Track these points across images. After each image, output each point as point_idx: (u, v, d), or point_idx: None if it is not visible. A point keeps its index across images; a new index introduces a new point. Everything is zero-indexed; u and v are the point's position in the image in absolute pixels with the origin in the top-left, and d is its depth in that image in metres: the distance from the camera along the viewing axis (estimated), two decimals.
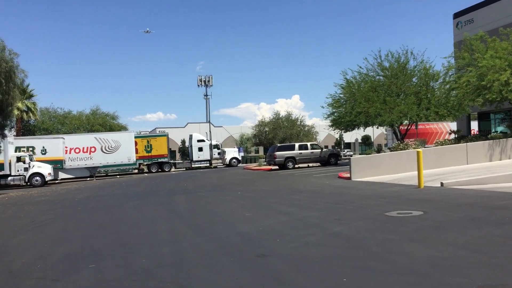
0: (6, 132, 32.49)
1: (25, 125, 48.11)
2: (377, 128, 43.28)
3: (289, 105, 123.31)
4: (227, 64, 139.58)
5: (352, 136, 77.65)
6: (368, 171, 20.59)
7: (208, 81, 55.16)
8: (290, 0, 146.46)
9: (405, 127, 34.82)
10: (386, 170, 20.82)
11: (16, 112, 43.87)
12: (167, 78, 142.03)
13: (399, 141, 30.28)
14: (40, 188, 29.61)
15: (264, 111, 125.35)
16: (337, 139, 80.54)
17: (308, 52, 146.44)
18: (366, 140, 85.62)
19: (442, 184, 14.74)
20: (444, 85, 29.71)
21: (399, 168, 20.96)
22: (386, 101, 30.38)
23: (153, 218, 11.50)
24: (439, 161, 21.37)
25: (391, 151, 41.15)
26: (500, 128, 33.98)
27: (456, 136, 31.76)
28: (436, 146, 28.35)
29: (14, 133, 45.97)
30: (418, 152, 14.95)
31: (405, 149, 24.91)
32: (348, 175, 21.36)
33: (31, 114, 45.99)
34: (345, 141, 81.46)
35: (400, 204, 11.00)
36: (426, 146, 33.14)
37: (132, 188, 24.16)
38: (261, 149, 72.79)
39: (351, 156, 62.25)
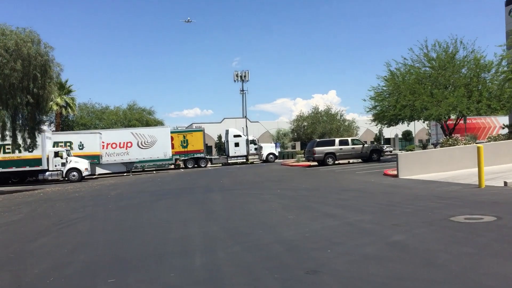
0: (45, 127, 32.56)
1: (64, 120, 48.58)
2: (423, 122, 41.31)
3: (326, 100, 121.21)
4: (263, 59, 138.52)
5: (392, 131, 75.05)
6: (417, 168, 19.06)
7: (245, 76, 54.20)
8: None
9: (453, 122, 32.82)
10: (436, 167, 19.24)
11: (55, 107, 44.44)
12: (204, 74, 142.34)
13: (447, 136, 28.44)
14: (76, 184, 29.41)
15: (300, 107, 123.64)
16: (376, 134, 78.04)
17: (345, 45, 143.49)
18: (407, 135, 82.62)
19: (506, 183, 13.17)
20: (497, 76, 27.65)
21: (451, 165, 19.32)
22: (433, 94, 28.56)
23: (186, 219, 10.54)
24: (495, 158, 19.56)
25: (435, 147, 39.14)
26: None
27: (509, 131, 29.62)
28: (489, 141, 26.41)
29: (53, 128, 46.51)
30: (479, 148, 13.42)
31: (454, 145, 23.22)
32: (394, 172, 19.89)
33: (69, 110, 46.35)
34: (385, 137, 78.85)
35: (464, 207, 9.62)
36: (477, 141, 31.10)
37: (167, 184, 23.46)
38: (298, 144, 71.39)
39: (391, 151, 60.23)
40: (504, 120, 42.83)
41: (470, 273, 5.08)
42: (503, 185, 13.19)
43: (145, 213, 12.09)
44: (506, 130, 31.19)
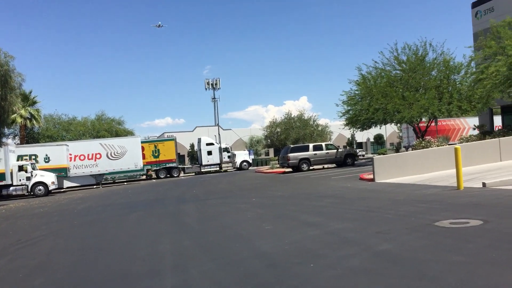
0: (7, 140, 31.20)
1: (29, 133, 46.82)
2: (396, 125, 41.58)
3: (297, 106, 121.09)
4: (234, 67, 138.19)
5: (364, 135, 75.58)
6: (393, 171, 18.85)
7: (216, 84, 53.78)
8: (296, 1, 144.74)
9: (425, 124, 32.99)
10: (412, 170, 19.08)
11: (19, 119, 42.74)
12: (175, 83, 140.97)
13: (420, 139, 28.48)
14: (42, 198, 28.16)
15: (272, 113, 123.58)
16: (348, 138, 78.44)
17: (315, 52, 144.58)
18: (379, 139, 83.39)
19: (484, 184, 12.96)
20: (467, 77, 27.90)
21: (426, 167, 19.20)
22: (405, 97, 28.60)
23: (157, 234, 9.87)
24: (470, 159, 19.49)
25: (407, 150, 39.30)
26: None
27: (479, 131, 29.90)
28: (461, 142, 26.53)
29: (18, 141, 44.77)
30: (456, 149, 13.17)
31: (427, 147, 23.15)
32: (370, 176, 19.64)
33: (34, 122, 44.63)
34: (357, 141, 79.31)
35: (446, 211, 9.27)
36: (449, 143, 31.29)
37: (137, 196, 22.60)
38: (271, 151, 71.02)
39: (363, 156, 60.40)
40: (474, 121, 43.46)
41: (469, 285, 4.63)
42: (481, 186, 12.98)
43: (112, 229, 11.34)
44: (477, 132, 31.50)
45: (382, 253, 6.30)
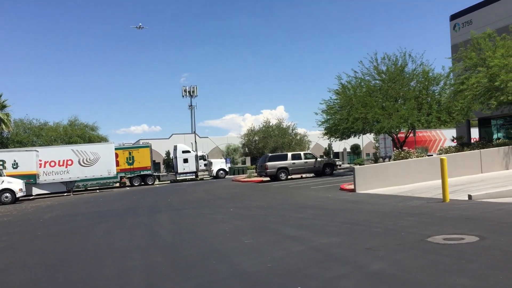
0: None
1: None
2: (375, 135, 41.50)
3: (274, 115, 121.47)
4: (211, 76, 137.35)
5: (340, 145, 75.71)
6: (374, 182, 18.41)
7: (193, 91, 52.81)
8: (274, 11, 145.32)
9: (403, 135, 32.90)
10: (393, 180, 18.68)
11: None
12: (151, 91, 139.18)
13: (399, 149, 28.28)
14: (8, 206, 26.76)
15: (249, 122, 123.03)
16: (325, 148, 78.37)
17: (292, 61, 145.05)
18: (355, 149, 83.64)
19: (470, 197, 12.57)
20: (447, 88, 27.88)
21: (408, 178, 18.84)
22: (384, 107, 28.41)
23: (127, 248, 9.06)
24: (451, 170, 18.86)
25: (383, 160, 39.25)
26: (500, 134, 32.29)
27: (457, 143, 29.91)
28: (441, 153, 26.40)
29: None
30: (442, 160, 12.74)
31: (406, 158, 22.86)
32: (351, 186, 19.16)
33: (3, 126, 42.93)
34: (334, 151, 79.36)
35: (437, 225, 8.76)
36: (428, 154, 31.23)
37: (109, 204, 21.58)
38: (248, 159, 70.39)
39: (340, 165, 60.22)
40: (450, 132, 43.78)
41: None
42: (467, 198, 12.60)
43: (78, 241, 10.45)
44: (455, 143, 31.53)
45: (376, 274, 5.68)
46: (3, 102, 43.81)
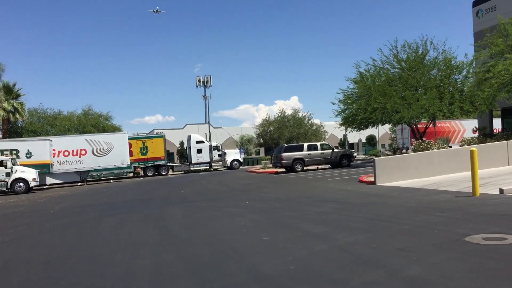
0: None
1: (12, 127, 45.01)
2: (394, 126, 40.52)
3: (288, 106, 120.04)
4: (225, 66, 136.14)
5: (356, 136, 74.52)
6: (396, 174, 17.63)
7: (207, 81, 52.22)
8: (288, 0, 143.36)
9: (423, 125, 31.91)
10: (415, 173, 17.88)
11: (1, 113, 41.03)
12: (165, 81, 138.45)
13: (419, 140, 27.37)
14: (21, 196, 26.56)
15: (263, 113, 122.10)
16: (340, 139, 77.24)
17: (306, 52, 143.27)
18: (371, 140, 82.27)
19: (501, 191, 11.77)
20: (470, 77, 26.82)
21: (430, 170, 18.03)
22: (404, 96, 27.45)
23: (136, 243, 8.50)
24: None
25: (401, 152, 38.29)
26: None
27: (480, 134, 28.88)
28: (463, 145, 25.47)
29: (0, 135, 42.99)
30: (472, 152, 11.95)
31: (427, 149, 22.02)
32: (371, 179, 18.43)
33: (18, 115, 42.85)
34: (349, 142, 78.21)
35: (472, 222, 8.04)
36: (450, 145, 30.25)
37: (121, 195, 21.15)
38: (262, 150, 69.74)
39: (355, 157, 58.97)
40: (470, 123, 42.63)
41: None
42: (498, 192, 11.80)
43: (86, 236, 9.93)
44: (475, 134, 30.51)
45: (413, 280, 5.00)
46: (17, 91, 43.70)
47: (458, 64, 27.68)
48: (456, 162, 17.98)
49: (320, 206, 12.03)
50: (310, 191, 16.74)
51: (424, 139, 28.68)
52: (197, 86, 53.16)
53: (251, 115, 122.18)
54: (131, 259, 7.19)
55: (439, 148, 22.13)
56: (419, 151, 22.30)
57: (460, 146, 28.05)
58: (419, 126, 31.63)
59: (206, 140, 47.36)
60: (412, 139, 40.74)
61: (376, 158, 18.41)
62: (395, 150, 36.06)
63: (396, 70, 29.69)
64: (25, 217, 14.58)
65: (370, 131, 58.05)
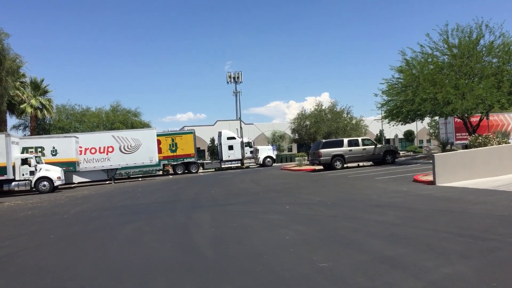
0: (17, 132, 28.33)
1: (40, 124, 44.14)
2: (445, 118, 37.49)
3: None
4: (255, 63, 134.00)
5: (392, 131, 71.09)
6: (460, 172, 15.11)
7: (238, 77, 50.67)
8: None
9: (477, 119, 28.99)
10: (483, 171, 15.33)
11: (29, 109, 40.12)
12: (197, 78, 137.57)
13: (474, 135, 24.57)
14: (44, 196, 25.14)
15: (294, 109, 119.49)
16: (377, 134, 73.95)
17: (338, 47, 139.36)
18: (409, 135, 78.57)
19: None
20: None
21: (500, 168, 15.48)
22: (458, 85, 24.64)
23: (149, 267, 6.42)
24: None
25: (451, 147, 35.29)
26: None
27: None
28: None
29: (29, 133, 42.20)
30: None
31: (485, 144, 19.41)
32: (428, 178, 15.96)
33: (46, 112, 41.87)
34: (386, 137, 74.79)
35: None
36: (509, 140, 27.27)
37: (146, 196, 19.29)
38: (294, 146, 67.35)
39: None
40: None
41: None
42: None
43: (90, 253, 7.91)
44: None
45: None
46: (45, 87, 42.77)
47: None
48: None
49: (380, 214, 9.70)
50: (358, 193, 14.38)
51: (477, 133, 25.89)
52: (228, 82, 51.77)
53: (281, 112, 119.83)
54: (142, 286, 5.10)
55: (499, 143, 19.46)
56: (475, 146, 19.74)
57: None
58: (472, 119, 28.73)
59: (238, 136, 45.36)
60: (457, 134, 37.67)
61: (435, 155, 15.89)
62: (444, 145, 33.10)
63: (446, 57, 26.90)
64: (34, 223, 12.78)
65: (408, 126, 54.86)
